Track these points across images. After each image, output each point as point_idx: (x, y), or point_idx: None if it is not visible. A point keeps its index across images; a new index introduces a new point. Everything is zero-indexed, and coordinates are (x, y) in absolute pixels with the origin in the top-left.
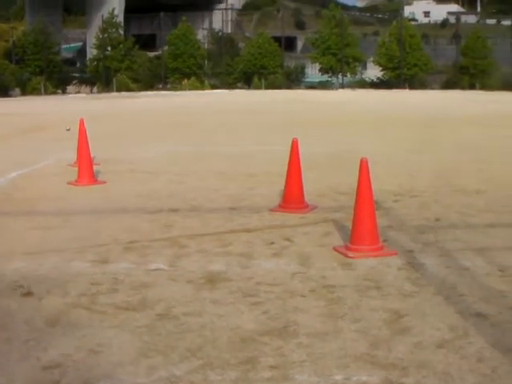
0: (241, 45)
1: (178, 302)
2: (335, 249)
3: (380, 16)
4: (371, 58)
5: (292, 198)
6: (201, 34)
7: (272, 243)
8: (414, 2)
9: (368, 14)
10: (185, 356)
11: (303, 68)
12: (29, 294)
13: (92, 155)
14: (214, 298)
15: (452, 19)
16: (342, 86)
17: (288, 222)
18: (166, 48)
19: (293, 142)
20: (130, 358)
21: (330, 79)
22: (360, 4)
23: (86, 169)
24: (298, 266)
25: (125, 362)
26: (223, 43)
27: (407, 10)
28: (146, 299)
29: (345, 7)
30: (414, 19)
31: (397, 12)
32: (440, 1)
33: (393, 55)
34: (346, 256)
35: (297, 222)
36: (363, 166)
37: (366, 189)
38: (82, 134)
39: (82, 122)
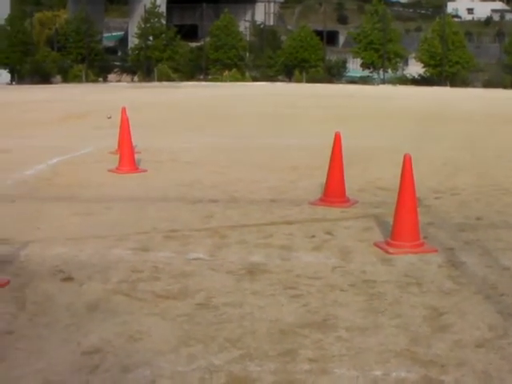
0: (282, 38)
1: (218, 292)
2: (376, 244)
3: (423, 12)
4: (413, 54)
5: (333, 191)
6: (243, 26)
7: (313, 236)
8: None
9: (411, 10)
10: (224, 346)
11: (344, 62)
12: (69, 279)
13: (133, 143)
14: (253, 289)
15: (496, 17)
16: (383, 82)
17: (329, 215)
18: (207, 39)
19: (336, 135)
20: (169, 346)
21: (371, 74)
22: None
23: (128, 157)
24: (339, 260)
25: (164, 350)
26: (265, 35)
27: (450, 7)
28: (186, 288)
29: (388, 2)
30: (457, 16)
31: (440, 8)
32: None
33: (435, 52)
34: (387, 252)
35: (338, 216)
36: (406, 162)
37: (408, 185)
38: (124, 122)
39: (123, 111)
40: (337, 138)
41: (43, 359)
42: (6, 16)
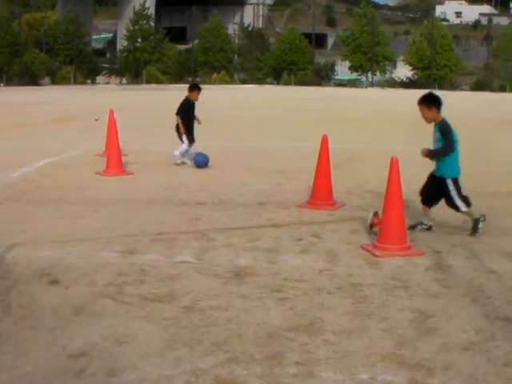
0: (271, 40)
1: (205, 295)
2: (363, 247)
3: (411, 15)
4: (401, 57)
5: (320, 194)
6: (231, 29)
7: (300, 239)
8: (446, 2)
9: (399, 13)
10: (210, 349)
11: (333, 65)
12: (55, 282)
13: (121, 146)
14: (240, 292)
15: (484, 20)
16: (372, 85)
17: (316, 218)
18: (196, 41)
19: (323, 138)
20: (155, 350)
21: (359, 77)
22: (391, 3)
23: (115, 159)
24: (326, 263)
25: (150, 353)
26: (254, 38)
27: (439, 10)
28: (172, 291)
29: (376, 5)
30: (445, 19)
31: (428, 12)
32: (472, 2)
33: (423, 55)
34: (374, 255)
35: (325, 219)
36: (393, 165)
37: (395, 188)
38: (112, 124)
39: (111, 113)
40: (324, 141)
41: (29, 363)
42: None
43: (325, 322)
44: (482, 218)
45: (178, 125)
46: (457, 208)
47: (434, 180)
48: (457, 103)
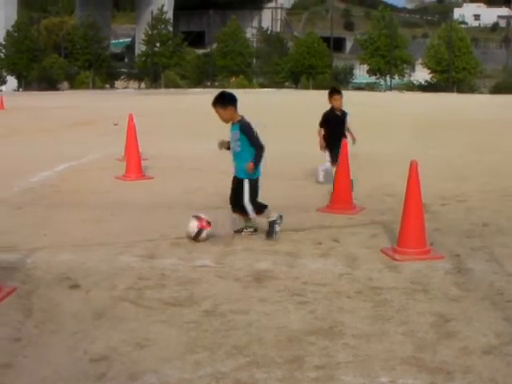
0: (289, 44)
1: (225, 299)
2: (382, 251)
3: (430, 18)
4: (420, 61)
5: (340, 198)
6: (250, 33)
7: (319, 243)
8: (464, 5)
9: (417, 16)
10: (231, 353)
11: (351, 69)
12: (76, 286)
13: (140, 150)
14: (260, 296)
15: (502, 23)
16: (390, 88)
17: (336, 222)
18: (214, 45)
19: (342, 142)
20: (176, 354)
21: (377, 81)
22: (409, 6)
23: (134, 164)
24: (345, 267)
25: (171, 357)
26: (272, 42)
27: (457, 13)
28: (193, 295)
29: (394, 8)
30: (463, 22)
31: (446, 14)
32: (490, 4)
33: (442, 58)
34: (393, 258)
35: (344, 223)
36: (413, 169)
37: (414, 192)
38: (131, 129)
39: (130, 117)
40: (343, 146)
41: (50, 367)
42: (13, 23)
43: (345, 326)
44: (279, 220)
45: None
46: (245, 212)
47: (234, 181)
48: (476, 106)
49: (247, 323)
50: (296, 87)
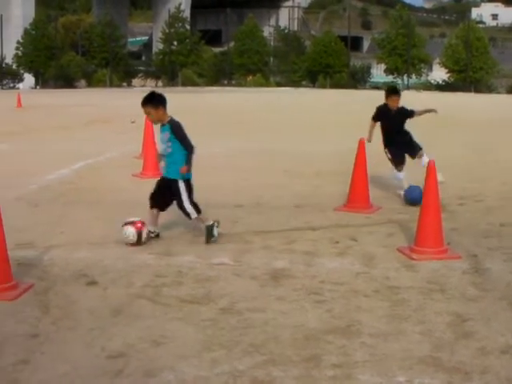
0: (306, 43)
1: (242, 297)
2: (399, 250)
3: (447, 17)
4: (437, 60)
5: (357, 197)
6: (267, 31)
7: (336, 242)
8: (482, 5)
9: (435, 16)
10: (248, 351)
11: (369, 68)
12: (93, 283)
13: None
14: (277, 294)
15: None
16: (407, 88)
17: (353, 221)
18: (231, 44)
19: (359, 141)
20: (193, 351)
21: (395, 80)
22: (427, 5)
23: (152, 161)
24: (362, 266)
25: (188, 354)
26: (289, 41)
27: (475, 12)
28: (210, 293)
29: (412, 8)
30: (481, 22)
31: (464, 14)
32: (508, 4)
33: (459, 58)
34: (410, 258)
35: (361, 222)
36: (430, 169)
37: (432, 191)
38: (148, 127)
39: None
40: (361, 145)
41: (67, 363)
42: (30, 21)
43: (362, 325)
44: (216, 224)
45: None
46: (187, 214)
47: (163, 182)
48: (493, 106)
49: (264, 321)
50: (313, 86)
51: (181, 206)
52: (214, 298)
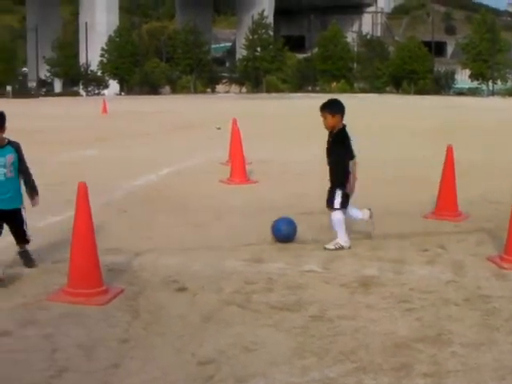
0: (390, 48)
1: (332, 304)
2: (489, 259)
3: None
4: None
5: (446, 205)
6: (350, 37)
7: (425, 250)
8: None
9: None
10: (338, 359)
11: (453, 74)
12: (183, 289)
13: (244, 154)
14: (367, 302)
15: None
16: (492, 94)
17: (441, 229)
18: (315, 50)
19: (448, 148)
20: (284, 358)
21: (479, 86)
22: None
23: (239, 168)
24: (452, 275)
25: (279, 361)
26: (373, 46)
27: None
28: (300, 300)
29: (496, 12)
30: None
31: None
32: None
33: None
34: (501, 267)
35: (450, 230)
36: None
37: None
38: (235, 133)
39: (234, 121)
40: (449, 152)
41: (158, 368)
42: (115, 28)
43: (453, 334)
44: (31, 252)
45: None
46: (27, 238)
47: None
48: None
49: (354, 329)
50: (397, 92)
51: (23, 231)
52: (304, 305)
